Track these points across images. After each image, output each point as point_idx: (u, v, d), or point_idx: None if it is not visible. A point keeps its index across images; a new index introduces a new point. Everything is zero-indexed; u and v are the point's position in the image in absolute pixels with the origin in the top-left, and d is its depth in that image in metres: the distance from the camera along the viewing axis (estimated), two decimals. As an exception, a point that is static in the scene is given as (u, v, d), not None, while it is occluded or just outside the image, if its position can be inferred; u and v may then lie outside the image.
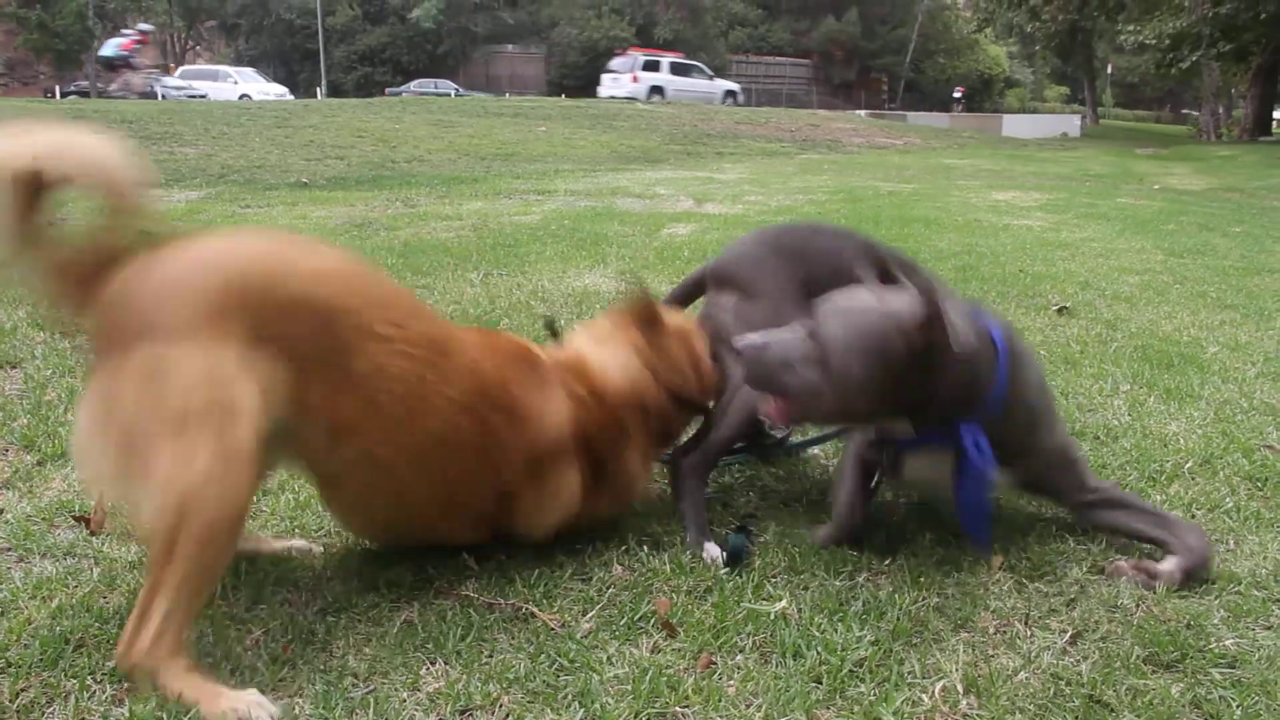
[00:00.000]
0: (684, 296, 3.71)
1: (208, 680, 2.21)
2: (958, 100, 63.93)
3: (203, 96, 37.11)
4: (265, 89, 46.37)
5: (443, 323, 2.74)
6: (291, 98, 41.98)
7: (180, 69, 52.93)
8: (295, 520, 3.12)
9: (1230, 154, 31.58)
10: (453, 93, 49.09)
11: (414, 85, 54.49)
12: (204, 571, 2.20)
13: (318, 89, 54.35)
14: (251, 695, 2.19)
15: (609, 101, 36.18)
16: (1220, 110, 48.76)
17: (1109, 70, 74.38)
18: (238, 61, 61.31)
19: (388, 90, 51.27)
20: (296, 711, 2.20)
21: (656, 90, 43.33)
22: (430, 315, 2.67)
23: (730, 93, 47.47)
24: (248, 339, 2.21)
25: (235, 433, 2.15)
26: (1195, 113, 57.81)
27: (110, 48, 34.98)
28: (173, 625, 2.18)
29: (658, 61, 45.38)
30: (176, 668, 2.19)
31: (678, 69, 46.06)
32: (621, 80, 44.20)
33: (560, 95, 45.78)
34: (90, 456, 2.22)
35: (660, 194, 13.31)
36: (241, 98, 39.33)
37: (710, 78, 47.89)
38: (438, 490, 2.66)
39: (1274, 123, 48.29)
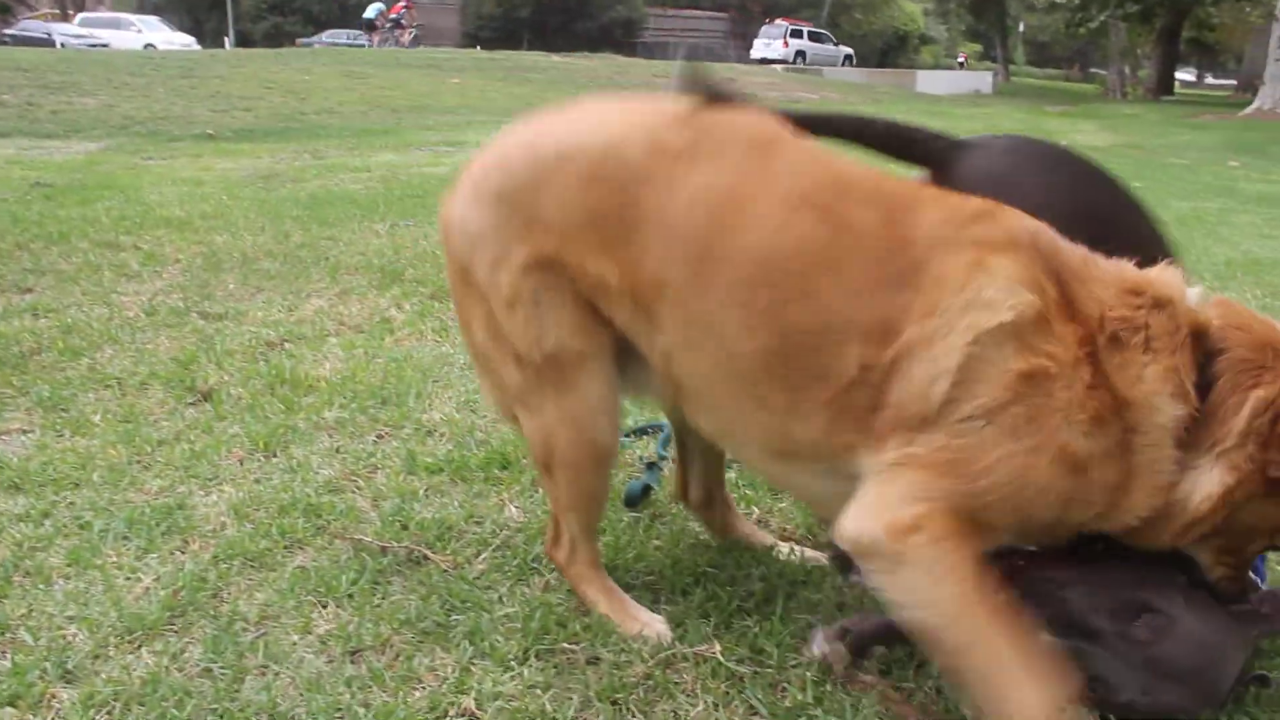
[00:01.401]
0: None
1: (625, 600, 2.38)
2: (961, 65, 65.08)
3: (104, 45, 35.93)
4: (170, 38, 44.88)
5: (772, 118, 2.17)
6: (198, 47, 40.82)
7: (79, 16, 51.01)
8: (189, 470, 3.08)
9: (1135, 112, 32.28)
10: (365, 44, 48.13)
11: (326, 36, 53.16)
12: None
13: (225, 39, 52.78)
14: (659, 619, 2.33)
15: (524, 54, 35.76)
16: (1126, 70, 49.81)
17: (1021, 28, 75.36)
18: (141, 9, 59.25)
19: (299, 41, 50.00)
20: (185, 657, 2.19)
21: (800, 54, 50.84)
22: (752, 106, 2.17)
23: (848, 56, 55.23)
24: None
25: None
26: (1103, 72, 58.95)
27: (372, 10, 41.37)
28: (580, 543, 2.37)
29: (801, 30, 53.18)
30: (595, 583, 2.39)
31: (813, 36, 53.70)
32: (774, 45, 51.15)
33: (475, 47, 45.26)
34: None
35: (574, 147, 13.21)
36: (146, 47, 38.07)
37: (835, 44, 55.82)
38: (768, 335, 1.96)
39: (1176, 82, 49.41)
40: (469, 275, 2.20)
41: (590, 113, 2.24)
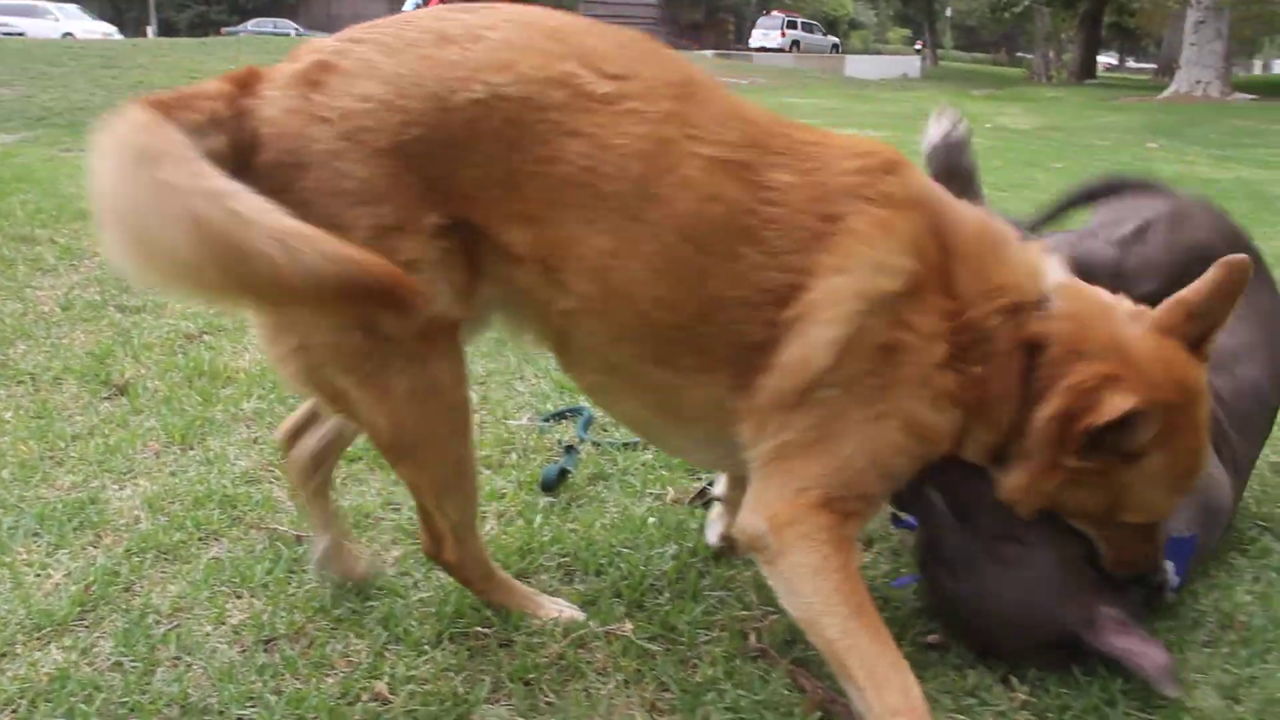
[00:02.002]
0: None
1: (531, 591, 2.36)
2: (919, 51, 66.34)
3: (20, 34, 35.03)
4: (90, 27, 43.79)
5: (689, 64, 2.07)
6: (119, 36, 39.89)
7: (-7, 5, 49.73)
8: (103, 464, 3.05)
9: (1058, 95, 32.86)
10: (293, 33, 47.39)
11: (251, 25, 52.33)
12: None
13: (148, 28, 51.80)
14: (570, 605, 2.34)
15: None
16: (1051, 54, 50.55)
17: (948, 13, 76.23)
18: (59, -3, 57.93)
19: (224, 30, 49.13)
20: (96, 651, 2.18)
21: (795, 44, 55.79)
22: (672, 55, 2.06)
23: (835, 45, 62.05)
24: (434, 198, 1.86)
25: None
26: (1029, 56, 59.81)
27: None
28: (465, 534, 2.19)
29: (795, 22, 58.88)
30: (494, 578, 2.32)
31: (805, 27, 59.47)
32: (771, 35, 56.20)
33: (405, 35, 44.88)
34: None
35: (502, 135, 13.17)
36: (64, 36, 37.16)
37: (824, 35, 62.54)
38: (689, 309, 1.95)
39: (1099, 66, 50.28)
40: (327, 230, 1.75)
41: (495, 40, 1.89)
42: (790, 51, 51.87)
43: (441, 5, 2.07)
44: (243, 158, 1.79)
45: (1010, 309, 1.96)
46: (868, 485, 1.99)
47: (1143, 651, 2.08)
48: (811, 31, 59.39)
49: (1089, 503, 2.06)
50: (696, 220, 1.89)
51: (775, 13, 60.44)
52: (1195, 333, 1.99)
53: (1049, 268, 2.06)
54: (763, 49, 51.93)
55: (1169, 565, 2.30)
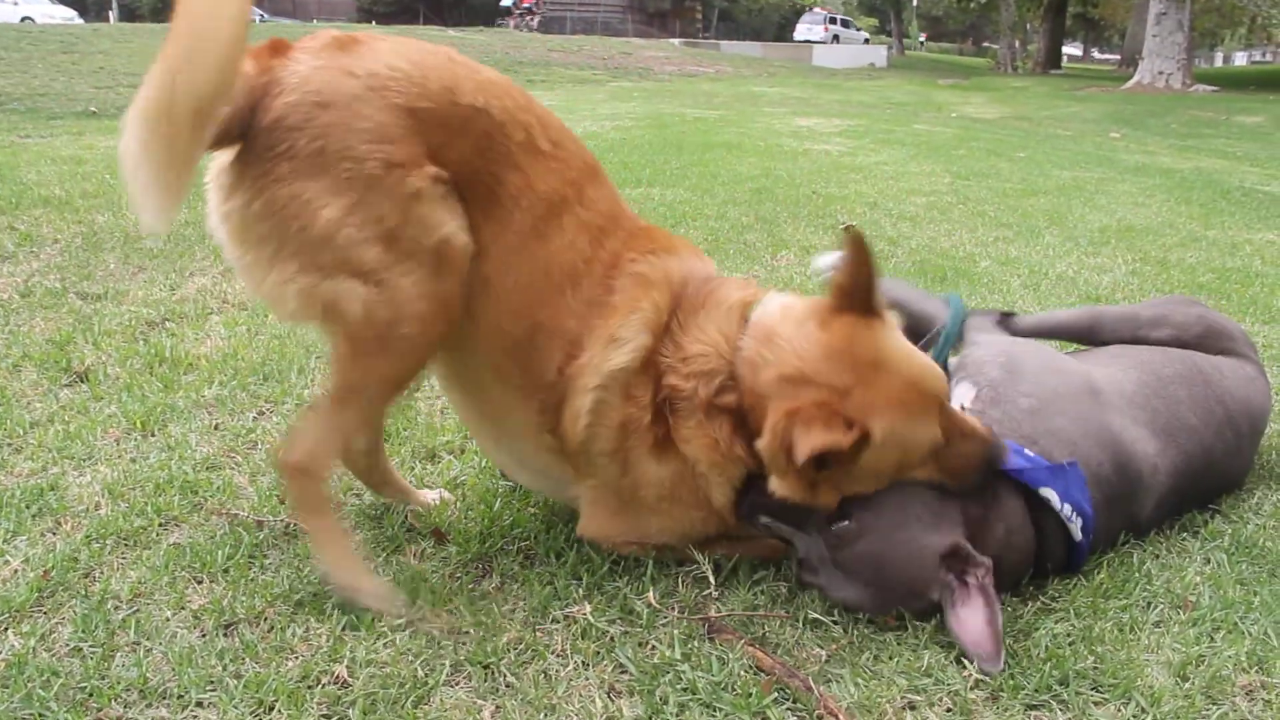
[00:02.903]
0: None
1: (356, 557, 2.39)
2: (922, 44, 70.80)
3: (-22, 20, 34.55)
4: (50, 11, 43.28)
5: (592, 155, 2.53)
6: (80, 21, 39.45)
7: (-49, -11, 48.93)
8: (63, 451, 3.03)
9: (1023, 85, 33.08)
10: (257, 18, 47.02)
11: (215, 10, 51.67)
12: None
13: (110, 13, 51.17)
14: (384, 585, 2.34)
15: (419, 28, 35.34)
16: (1016, 44, 50.86)
17: (915, 3, 76.49)
18: (18, -18, 57.03)
19: (186, 15, 48.47)
20: (54, 637, 2.17)
21: (835, 38, 66.53)
22: (584, 146, 2.51)
23: (866, 39, 72.07)
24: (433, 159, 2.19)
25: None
26: (995, 46, 60.12)
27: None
28: (330, 444, 2.32)
29: (835, 18, 70.12)
30: (325, 515, 2.35)
31: (843, 23, 70.89)
32: (815, 29, 67.82)
33: (370, 22, 44.67)
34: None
35: (469, 122, 13.13)
36: (23, 20, 36.68)
37: (858, 30, 73.68)
38: (525, 326, 2.35)
39: (1064, 57, 50.58)
40: (338, 161, 2.08)
41: (490, 76, 2.33)
42: (830, 44, 62.82)
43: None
44: (259, 104, 2.08)
45: (709, 373, 2.32)
46: (665, 532, 2.49)
47: (969, 627, 2.18)
48: (848, 26, 71.70)
49: (857, 483, 2.28)
50: (555, 260, 2.34)
51: (817, 9, 73.36)
52: (859, 302, 2.23)
53: (745, 322, 2.35)
54: (808, 41, 63.13)
55: (1051, 493, 2.39)
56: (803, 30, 69.15)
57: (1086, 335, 3.23)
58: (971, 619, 2.18)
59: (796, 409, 2.13)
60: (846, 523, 2.28)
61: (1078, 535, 2.43)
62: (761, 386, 2.23)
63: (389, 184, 2.11)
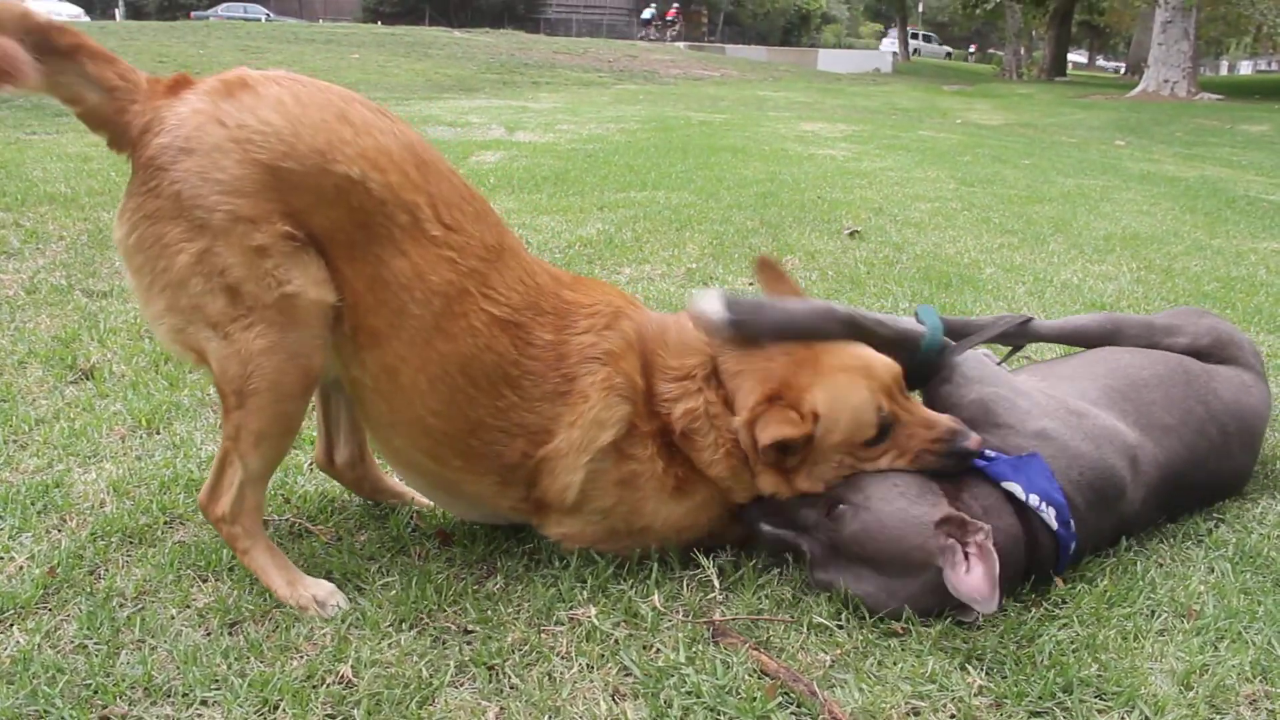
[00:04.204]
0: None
1: (292, 567, 2.39)
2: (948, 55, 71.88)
3: (-16, 16, 34.55)
4: (57, 9, 43.00)
5: (505, 230, 2.45)
6: (87, 19, 39.46)
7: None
8: (68, 448, 3.04)
9: (1029, 92, 33.06)
10: (263, 18, 47.09)
11: (221, 9, 51.91)
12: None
13: (116, 10, 51.24)
14: (327, 585, 2.35)
15: (425, 29, 35.43)
16: (1022, 51, 50.85)
17: (920, 9, 76.61)
18: (25, -21, 57.03)
19: (193, 14, 48.68)
20: (59, 634, 2.18)
21: (915, 50, 67.99)
22: (496, 221, 2.43)
23: (948, 53, 77.17)
24: (289, 219, 2.16)
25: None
26: (1000, 52, 60.13)
27: (648, 12, 57.89)
28: (250, 489, 2.32)
29: (916, 33, 72.77)
30: (261, 544, 2.37)
31: (924, 38, 74.96)
32: (894, 42, 68.98)
33: (376, 22, 44.75)
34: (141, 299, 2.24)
35: (472, 122, 13.17)
36: (30, 18, 36.62)
37: (940, 44, 78.31)
38: (457, 424, 2.36)
39: (1069, 64, 50.59)
40: (192, 208, 2.11)
41: (380, 143, 2.23)
42: (911, 57, 65.33)
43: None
44: (139, 137, 2.16)
45: (680, 394, 2.43)
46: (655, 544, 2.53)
47: (967, 579, 2.23)
48: (929, 41, 76.27)
49: (826, 464, 2.42)
50: (472, 362, 2.30)
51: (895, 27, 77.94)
52: None
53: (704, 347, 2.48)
54: (890, 53, 66.39)
55: (1015, 486, 2.45)
56: (886, 44, 75.17)
57: (1107, 342, 3.25)
58: (972, 572, 2.23)
59: (752, 416, 2.36)
60: (841, 507, 2.38)
61: (1053, 524, 2.45)
62: (730, 395, 2.45)
63: (234, 237, 2.11)
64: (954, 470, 2.46)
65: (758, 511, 2.48)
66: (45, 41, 2.08)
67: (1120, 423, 2.72)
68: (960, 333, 2.90)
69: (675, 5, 59.99)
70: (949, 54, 75.66)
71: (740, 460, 2.43)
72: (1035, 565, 2.48)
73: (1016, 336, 3.09)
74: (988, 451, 2.52)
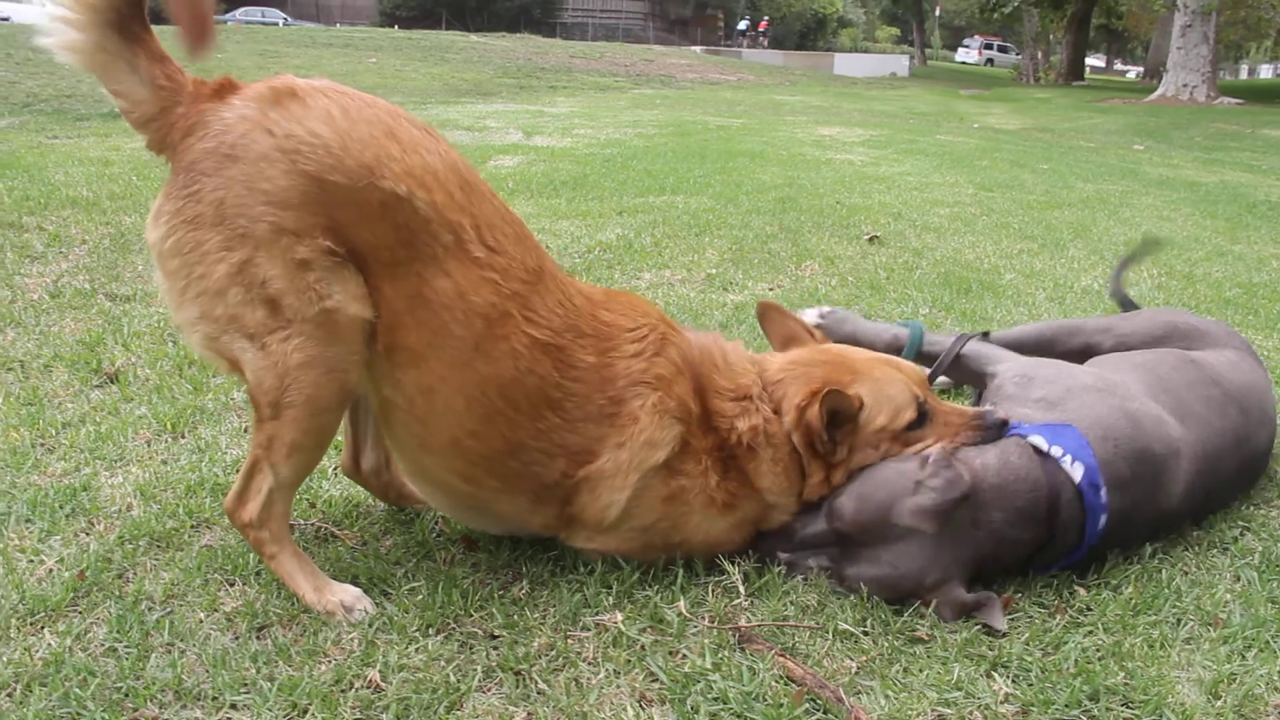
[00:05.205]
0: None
1: (319, 573, 2.38)
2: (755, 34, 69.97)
3: (5, 19, 34.79)
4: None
5: (543, 253, 2.43)
6: (105, 23, 39.63)
7: (-23, -10, 49.22)
8: (95, 452, 3.06)
9: (1046, 96, 32.97)
10: (280, 22, 47.29)
11: (239, 14, 52.08)
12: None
13: (134, 15, 51.32)
14: (353, 590, 2.36)
15: (441, 33, 35.51)
16: (1039, 55, 50.74)
17: (937, 13, 76.52)
18: (45, -16, 57.31)
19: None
20: (90, 637, 2.19)
21: (989, 60, 73.91)
22: (535, 245, 2.41)
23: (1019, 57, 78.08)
24: (332, 234, 2.14)
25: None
26: (1017, 56, 59.97)
27: (743, 24, 65.15)
28: (279, 497, 2.31)
29: (991, 44, 76.92)
30: (288, 550, 2.36)
31: (1000, 48, 76.06)
32: (971, 52, 76.90)
33: (393, 26, 44.91)
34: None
35: (490, 126, 13.19)
36: (50, 23, 36.78)
37: (1017, 53, 72.28)
38: (496, 445, 2.34)
39: (1086, 68, 50.43)
40: (235, 216, 2.10)
41: (427, 162, 2.21)
42: (986, 65, 70.71)
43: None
44: (181, 140, 2.16)
45: (741, 411, 2.50)
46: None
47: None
48: (1005, 51, 76.49)
49: (866, 448, 2.52)
50: (513, 385, 2.30)
51: (976, 36, 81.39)
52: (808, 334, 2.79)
53: (757, 365, 2.62)
54: (964, 63, 72.88)
55: (1039, 438, 2.56)
56: (962, 53, 79.38)
57: (1048, 349, 3.37)
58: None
59: (804, 402, 2.48)
60: (840, 499, 2.49)
61: (1076, 477, 2.48)
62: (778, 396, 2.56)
63: (277, 249, 2.10)
64: (994, 440, 2.59)
65: (772, 543, 2.57)
66: (132, 18, 2.13)
67: (1165, 413, 2.75)
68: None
69: (766, 18, 66.58)
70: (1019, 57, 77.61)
71: (796, 470, 2.52)
72: (1059, 527, 2.48)
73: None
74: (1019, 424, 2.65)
